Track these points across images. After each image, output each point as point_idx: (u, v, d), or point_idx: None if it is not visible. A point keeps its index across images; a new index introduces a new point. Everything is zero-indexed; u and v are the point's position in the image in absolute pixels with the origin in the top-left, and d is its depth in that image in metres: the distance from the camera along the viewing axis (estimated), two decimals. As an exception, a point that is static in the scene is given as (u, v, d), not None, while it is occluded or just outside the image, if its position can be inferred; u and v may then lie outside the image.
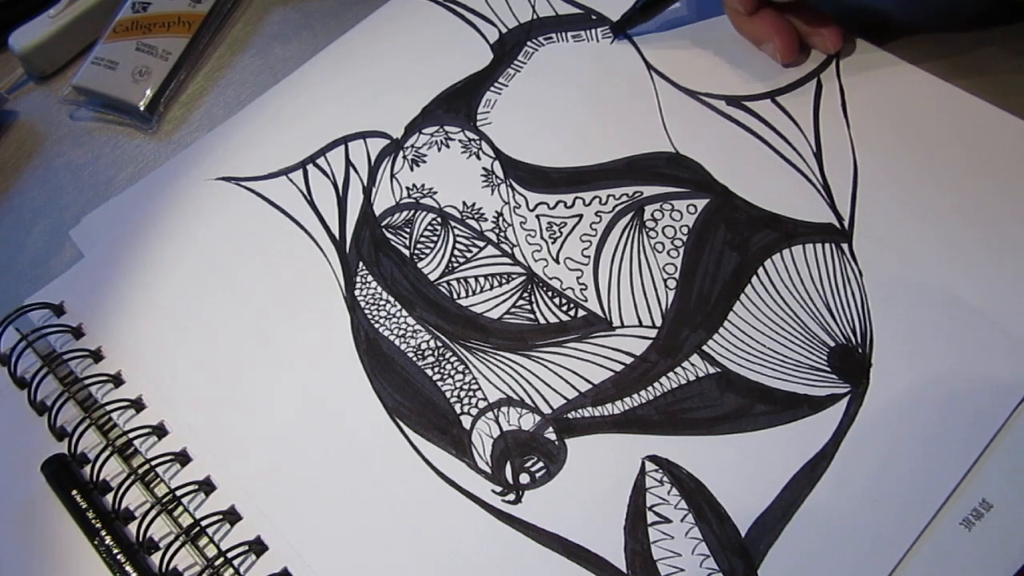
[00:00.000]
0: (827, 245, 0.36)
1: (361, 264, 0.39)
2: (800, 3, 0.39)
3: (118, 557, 0.33)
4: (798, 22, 0.40)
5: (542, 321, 0.36)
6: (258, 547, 0.33)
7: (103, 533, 0.34)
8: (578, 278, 0.37)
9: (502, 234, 0.39)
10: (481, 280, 0.38)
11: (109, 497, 0.35)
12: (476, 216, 0.39)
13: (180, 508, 0.34)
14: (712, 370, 0.34)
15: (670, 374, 0.34)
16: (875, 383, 0.32)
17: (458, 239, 0.39)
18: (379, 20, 0.48)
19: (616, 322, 0.36)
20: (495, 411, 0.34)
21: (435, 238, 0.39)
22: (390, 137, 0.43)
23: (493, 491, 0.33)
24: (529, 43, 0.45)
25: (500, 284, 0.38)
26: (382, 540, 0.33)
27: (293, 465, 0.35)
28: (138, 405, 0.37)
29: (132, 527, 0.34)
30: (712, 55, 0.42)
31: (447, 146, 0.42)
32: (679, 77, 0.42)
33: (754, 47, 0.41)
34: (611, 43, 0.44)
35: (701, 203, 0.38)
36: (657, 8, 0.42)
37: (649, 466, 0.32)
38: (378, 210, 0.41)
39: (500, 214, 0.39)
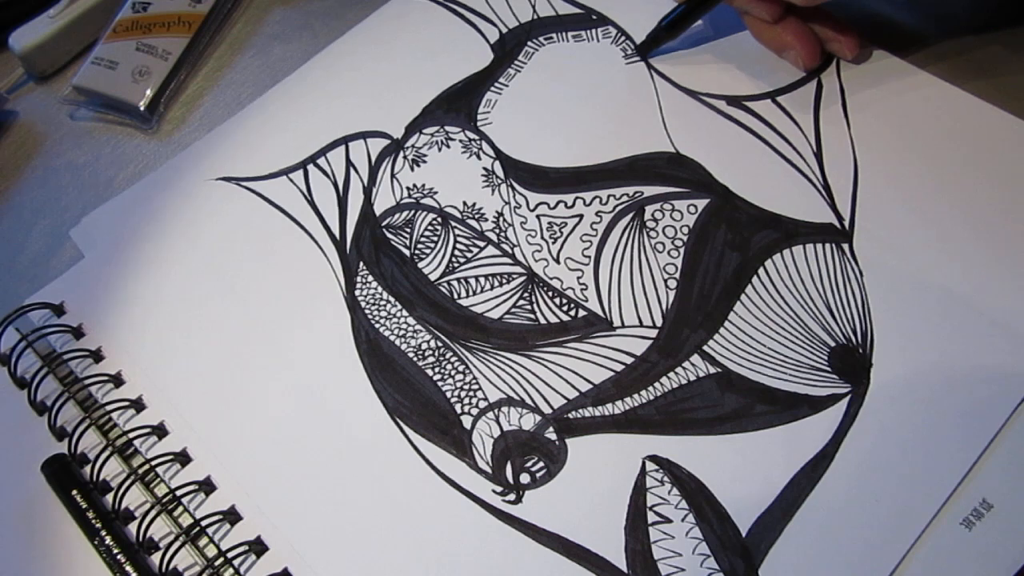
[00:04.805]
0: (827, 245, 0.36)
1: (361, 264, 0.39)
2: (821, 9, 0.39)
3: (118, 557, 0.33)
4: (818, 28, 0.39)
5: (542, 321, 0.36)
6: (258, 547, 0.33)
7: (103, 533, 0.33)
8: (578, 278, 0.37)
9: (502, 234, 0.39)
10: (481, 280, 0.38)
11: (109, 497, 0.35)
12: (476, 216, 0.39)
13: (180, 508, 0.34)
14: (713, 370, 0.34)
15: (671, 374, 0.34)
16: (876, 383, 0.32)
17: (458, 239, 0.39)
18: (379, 20, 0.48)
19: (616, 322, 0.36)
20: (495, 411, 0.34)
21: (435, 238, 0.39)
22: (390, 137, 0.43)
23: (493, 491, 0.33)
24: (529, 43, 0.45)
25: (500, 284, 0.38)
26: (382, 540, 0.33)
27: (293, 465, 0.35)
28: (138, 405, 0.37)
29: (132, 527, 0.34)
30: (713, 55, 0.42)
31: (447, 146, 0.42)
32: (680, 77, 0.42)
33: (755, 48, 0.41)
34: (626, 62, 0.43)
35: (702, 203, 0.38)
36: (682, 27, 0.41)
37: (650, 466, 0.32)
38: (378, 210, 0.41)
39: (500, 214, 0.39)
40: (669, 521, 0.31)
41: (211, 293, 0.40)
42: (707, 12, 0.41)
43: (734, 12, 0.41)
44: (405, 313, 0.38)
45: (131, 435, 0.36)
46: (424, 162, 0.42)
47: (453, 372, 0.36)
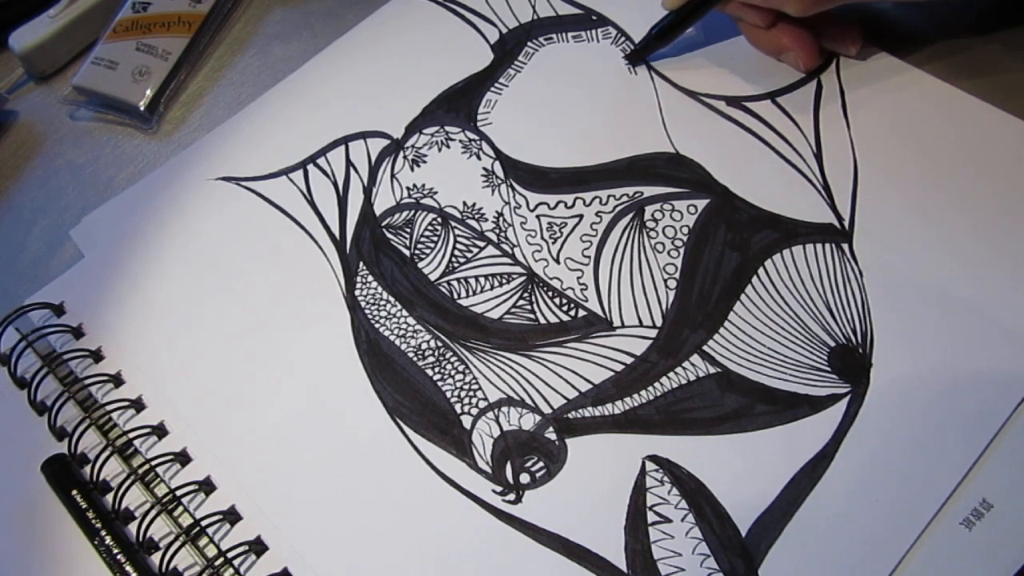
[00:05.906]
0: (827, 245, 0.36)
1: (361, 264, 0.39)
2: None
3: (118, 557, 0.33)
4: (816, 27, 0.39)
5: (542, 321, 0.36)
6: (258, 547, 0.33)
7: (103, 533, 0.33)
8: (578, 278, 0.37)
9: (502, 234, 0.39)
10: (481, 280, 0.38)
11: (109, 497, 0.35)
12: (476, 216, 0.39)
13: (180, 508, 0.34)
14: (712, 370, 0.34)
15: (670, 374, 0.34)
16: (875, 383, 0.32)
17: (458, 239, 0.39)
18: (379, 20, 0.48)
19: (616, 322, 0.36)
20: (495, 411, 0.34)
21: (435, 238, 0.39)
22: (390, 137, 0.43)
23: (493, 491, 0.33)
24: (529, 43, 0.45)
25: (500, 284, 0.38)
26: (382, 540, 0.33)
27: (293, 465, 0.35)
28: (138, 405, 0.37)
29: (132, 527, 0.34)
30: (712, 56, 0.42)
31: (447, 146, 0.42)
32: (679, 78, 0.42)
33: (754, 49, 0.41)
34: (626, 62, 0.43)
35: (701, 203, 0.38)
36: (673, 34, 0.41)
37: (649, 466, 0.32)
38: (378, 210, 0.41)
39: (500, 214, 0.39)
40: (669, 521, 0.31)
41: (211, 293, 0.40)
42: (698, 20, 0.41)
43: (728, 18, 0.41)
44: (405, 313, 0.38)
45: (131, 435, 0.36)
46: (424, 162, 0.42)
47: (453, 372, 0.36)
